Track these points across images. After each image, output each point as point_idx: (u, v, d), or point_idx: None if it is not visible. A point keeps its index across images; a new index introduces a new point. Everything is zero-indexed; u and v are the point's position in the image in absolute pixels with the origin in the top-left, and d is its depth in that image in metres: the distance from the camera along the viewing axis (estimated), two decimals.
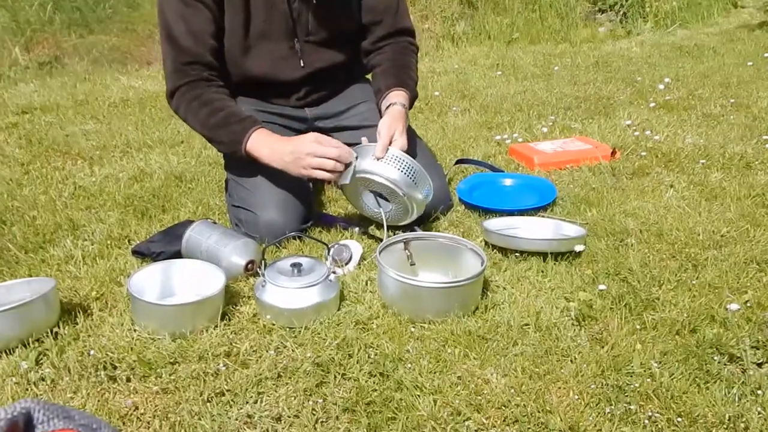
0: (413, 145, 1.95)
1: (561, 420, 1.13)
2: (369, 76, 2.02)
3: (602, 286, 1.52)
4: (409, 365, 1.28)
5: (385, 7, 1.93)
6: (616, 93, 3.29)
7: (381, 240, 1.69)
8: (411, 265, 1.59)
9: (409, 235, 1.64)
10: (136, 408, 1.19)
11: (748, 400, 1.17)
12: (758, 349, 1.29)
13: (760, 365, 1.26)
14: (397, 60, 1.94)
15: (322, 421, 1.15)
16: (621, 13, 5.44)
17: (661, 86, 3.35)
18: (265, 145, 1.71)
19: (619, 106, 3.06)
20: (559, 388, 1.22)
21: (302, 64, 1.88)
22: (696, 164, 2.28)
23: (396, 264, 1.51)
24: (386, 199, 1.74)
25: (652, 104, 3.04)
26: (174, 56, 1.76)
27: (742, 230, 1.79)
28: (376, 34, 1.95)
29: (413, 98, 1.92)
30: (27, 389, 1.23)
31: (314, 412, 1.17)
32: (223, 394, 1.21)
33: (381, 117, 1.81)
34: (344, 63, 1.95)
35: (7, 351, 1.33)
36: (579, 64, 4.00)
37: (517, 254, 1.68)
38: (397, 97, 1.85)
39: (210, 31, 1.77)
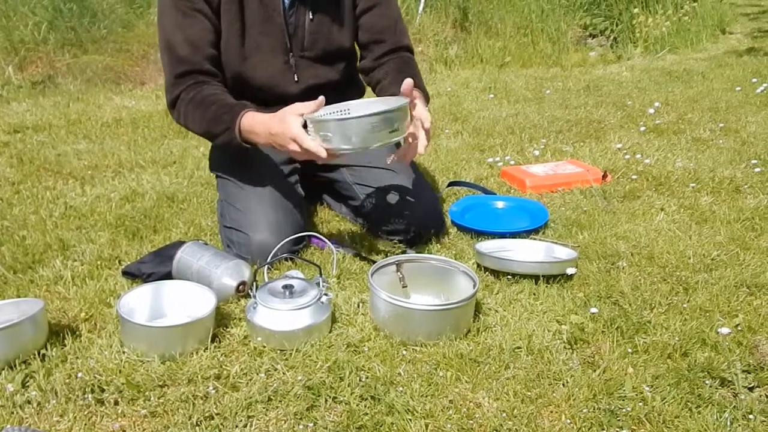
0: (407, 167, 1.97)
1: None
2: (375, 91, 1.97)
3: (594, 309, 1.52)
4: (401, 388, 1.27)
5: (384, 26, 1.94)
6: (607, 117, 3.32)
7: (374, 263, 1.69)
8: (403, 287, 1.58)
9: (401, 257, 1.64)
10: None
11: (739, 425, 1.17)
12: (749, 373, 1.30)
13: (751, 389, 1.26)
14: (402, 70, 1.91)
15: None
16: (611, 38, 5.51)
17: (651, 110, 3.38)
18: (255, 127, 1.65)
19: (610, 129, 3.09)
20: (551, 412, 1.21)
21: (296, 79, 1.88)
22: (686, 188, 2.29)
23: (388, 286, 1.51)
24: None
25: (643, 128, 3.07)
26: (172, 66, 1.76)
27: (732, 254, 1.79)
28: (376, 52, 1.95)
29: (426, 99, 1.86)
30: (12, 412, 1.21)
31: None
32: (213, 418, 1.20)
33: None
34: (338, 81, 1.96)
35: None
36: (570, 88, 4.04)
37: (509, 277, 1.68)
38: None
39: (209, 40, 1.77)
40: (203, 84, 1.77)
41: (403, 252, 1.80)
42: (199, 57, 1.76)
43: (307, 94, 1.91)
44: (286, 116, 1.56)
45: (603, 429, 1.16)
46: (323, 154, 1.51)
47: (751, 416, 1.19)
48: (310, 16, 1.83)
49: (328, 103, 1.99)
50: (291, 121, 1.54)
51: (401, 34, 1.98)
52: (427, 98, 1.88)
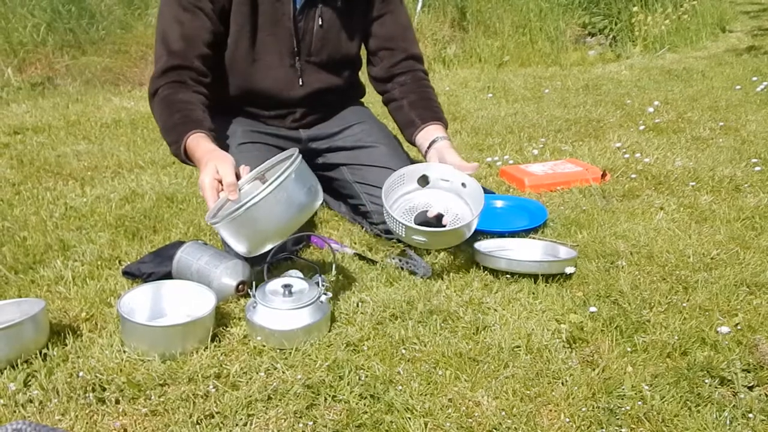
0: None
1: None
2: (390, 109, 2.01)
3: (593, 308, 1.52)
4: (400, 387, 1.27)
5: (394, 34, 1.95)
6: (606, 116, 3.32)
7: (373, 262, 1.69)
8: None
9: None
10: (125, 430, 1.17)
11: (739, 423, 1.17)
12: (749, 372, 1.30)
13: (750, 388, 1.26)
14: (422, 93, 1.96)
15: None
16: (610, 36, 5.52)
17: (651, 109, 3.38)
18: (195, 153, 1.63)
19: (609, 128, 3.09)
20: (550, 410, 1.22)
21: (301, 83, 1.89)
22: (686, 187, 2.30)
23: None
24: None
25: (642, 127, 3.07)
26: (164, 59, 1.75)
27: (732, 253, 1.80)
28: (387, 61, 1.96)
29: (445, 125, 1.94)
30: (15, 411, 1.22)
31: None
32: (213, 417, 1.20)
33: (419, 147, 1.89)
34: (341, 86, 1.96)
35: None
36: (569, 87, 4.04)
37: (508, 276, 1.68)
38: (437, 131, 1.87)
39: (204, 39, 1.75)
40: (183, 86, 1.74)
41: (402, 251, 1.80)
42: (192, 53, 1.74)
43: (311, 99, 1.92)
44: (217, 162, 1.51)
45: (602, 428, 1.17)
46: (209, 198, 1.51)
47: (750, 415, 1.19)
48: (320, 23, 1.83)
49: (330, 107, 2.00)
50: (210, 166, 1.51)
51: (411, 42, 1.99)
52: (445, 124, 1.92)
